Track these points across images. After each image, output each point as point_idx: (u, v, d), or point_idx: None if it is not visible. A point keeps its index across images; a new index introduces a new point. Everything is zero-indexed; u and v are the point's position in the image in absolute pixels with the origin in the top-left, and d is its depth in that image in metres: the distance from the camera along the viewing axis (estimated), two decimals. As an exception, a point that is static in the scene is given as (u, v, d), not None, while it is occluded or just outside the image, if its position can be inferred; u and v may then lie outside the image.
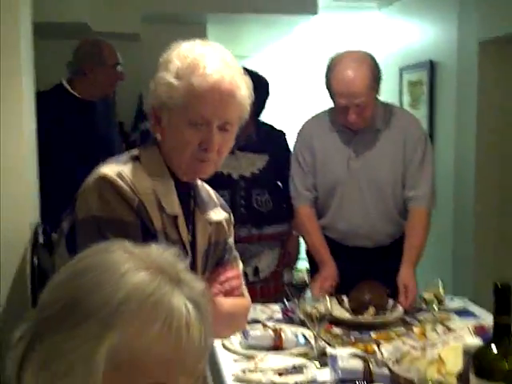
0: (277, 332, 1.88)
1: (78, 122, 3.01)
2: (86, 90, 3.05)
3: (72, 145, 2.96)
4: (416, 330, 1.98)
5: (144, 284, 0.72)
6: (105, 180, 1.28)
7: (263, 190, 2.85)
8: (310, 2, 4.10)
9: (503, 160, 3.40)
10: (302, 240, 2.91)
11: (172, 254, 0.79)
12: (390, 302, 2.18)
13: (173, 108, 1.32)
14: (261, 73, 2.88)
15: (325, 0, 4.18)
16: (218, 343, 1.91)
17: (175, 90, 1.30)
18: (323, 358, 1.76)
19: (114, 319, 0.69)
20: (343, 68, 2.29)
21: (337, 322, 2.05)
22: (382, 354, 1.62)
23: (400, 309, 2.15)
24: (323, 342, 1.85)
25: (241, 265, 1.59)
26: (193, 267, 1.37)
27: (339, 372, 1.64)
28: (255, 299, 1.88)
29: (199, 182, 1.50)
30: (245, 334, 1.88)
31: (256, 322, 2.07)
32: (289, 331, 1.94)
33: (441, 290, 2.05)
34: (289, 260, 2.98)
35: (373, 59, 2.35)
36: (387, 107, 2.48)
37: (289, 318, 2.13)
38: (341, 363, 1.66)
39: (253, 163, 2.87)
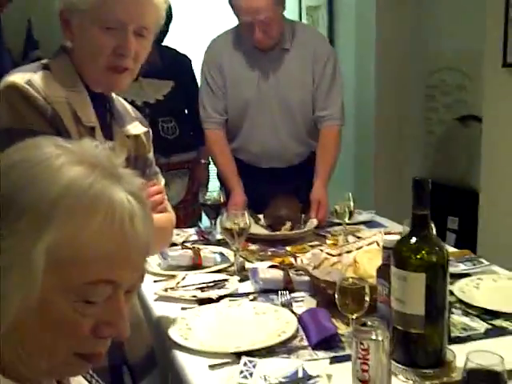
0: (195, 251, 1.88)
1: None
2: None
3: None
4: (329, 241, 2.06)
5: (81, 178, 0.68)
6: (13, 88, 1.19)
7: (169, 117, 2.78)
8: None
9: (399, 75, 3.52)
10: (211, 166, 2.91)
11: (107, 148, 0.76)
12: (303, 217, 2.23)
13: (84, 10, 1.23)
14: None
15: None
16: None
17: None
18: (243, 274, 1.79)
19: (50, 215, 0.66)
20: None
21: (254, 239, 2.08)
22: (301, 261, 1.66)
23: (314, 221, 2.21)
24: (242, 259, 1.87)
25: (163, 180, 1.56)
26: None
27: (260, 283, 1.68)
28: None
29: (114, 96, 1.43)
30: (163, 255, 1.86)
31: (173, 245, 2.06)
32: (207, 250, 1.95)
33: (351, 203, 2.13)
34: (198, 188, 2.97)
35: None
36: (292, 24, 2.47)
37: (205, 239, 2.13)
38: (261, 274, 1.69)
39: (157, 90, 2.79)
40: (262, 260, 1.91)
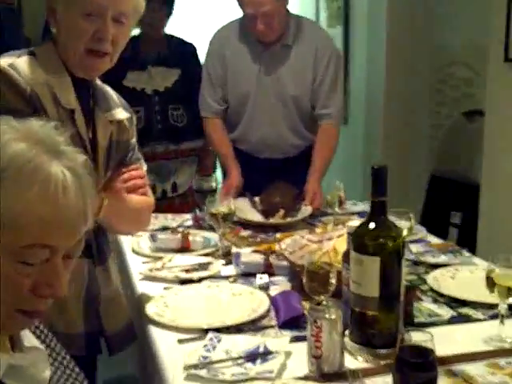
0: (184, 235, 1.95)
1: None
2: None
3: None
4: (318, 230, 2.10)
5: (22, 153, 0.77)
6: None
7: (178, 104, 2.85)
8: None
9: (410, 69, 3.54)
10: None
11: (52, 127, 0.84)
12: (298, 204, 2.27)
13: None
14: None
15: None
16: (127, 248, 1.96)
17: None
18: (228, 258, 1.85)
19: None
20: None
21: (247, 224, 2.14)
22: (280, 246, 1.71)
23: (308, 208, 2.24)
24: (228, 243, 1.93)
25: (145, 166, 1.62)
26: (94, 165, 1.39)
27: (241, 266, 1.74)
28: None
29: (99, 82, 1.50)
30: (153, 238, 1.93)
31: (166, 228, 2.13)
32: (198, 235, 2.02)
33: (342, 193, 2.17)
34: (206, 175, 3.03)
35: None
36: (298, 20, 2.49)
37: (198, 225, 2.20)
38: (243, 258, 1.75)
39: (166, 78, 2.85)
40: (250, 246, 1.97)
